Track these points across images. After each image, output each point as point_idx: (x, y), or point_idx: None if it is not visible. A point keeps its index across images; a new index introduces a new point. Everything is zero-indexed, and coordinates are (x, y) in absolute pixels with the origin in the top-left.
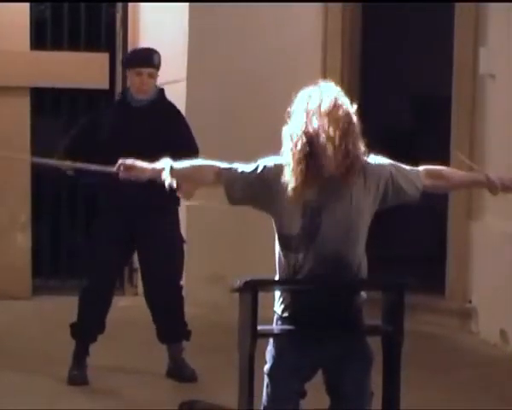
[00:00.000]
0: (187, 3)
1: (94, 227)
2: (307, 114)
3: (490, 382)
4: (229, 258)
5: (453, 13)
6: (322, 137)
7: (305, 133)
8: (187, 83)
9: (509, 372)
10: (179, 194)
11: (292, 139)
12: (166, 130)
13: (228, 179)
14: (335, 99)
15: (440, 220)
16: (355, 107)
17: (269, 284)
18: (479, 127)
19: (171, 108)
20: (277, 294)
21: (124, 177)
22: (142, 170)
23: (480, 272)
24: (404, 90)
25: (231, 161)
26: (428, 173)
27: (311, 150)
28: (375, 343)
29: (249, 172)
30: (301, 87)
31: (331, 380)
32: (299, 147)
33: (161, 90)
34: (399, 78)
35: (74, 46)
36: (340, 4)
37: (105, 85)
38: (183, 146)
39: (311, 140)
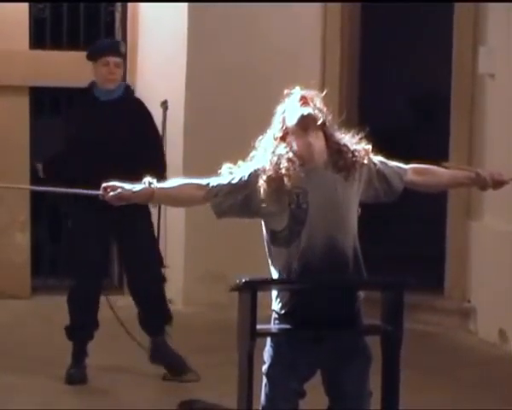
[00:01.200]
0: (186, 3)
1: (71, 227)
2: (283, 116)
3: (489, 381)
4: (229, 256)
5: (452, 12)
6: (299, 133)
7: (284, 131)
8: (186, 81)
9: (508, 372)
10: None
11: (273, 138)
12: (133, 130)
13: (212, 194)
14: (308, 98)
15: (440, 220)
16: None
17: (268, 284)
18: (478, 126)
19: (141, 106)
20: (275, 293)
21: (109, 200)
22: (128, 196)
23: (479, 272)
24: (403, 89)
25: (231, 157)
26: (416, 170)
27: (290, 146)
28: (373, 343)
29: (233, 183)
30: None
31: (330, 379)
32: (278, 144)
33: (128, 86)
34: (399, 77)
35: (73, 45)
36: (339, 4)
37: None
38: (151, 155)
39: (289, 136)
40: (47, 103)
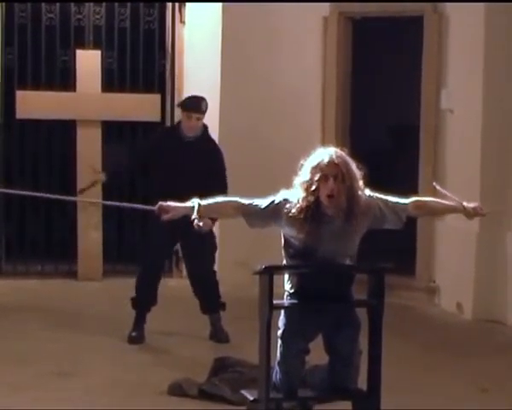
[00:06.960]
0: (219, 60)
1: (148, 227)
2: (313, 169)
3: (449, 341)
4: (252, 249)
5: (421, 60)
6: (323, 185)
7: (310, 183)
8: (220, 114)
9: (463, 334)
10: (202, 225)
11: (301, 186)
12: (207, 162)
13: (246, 213)
14: (334, 155)
15: (412, 220)
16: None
17: (282, 269)
18: (440, 150)
19: (213, 144)
20: (287, 276)
21: (163, 216)
22: (177, 210)
23: (441, 259)
24: (383, 120)
25: (253, 170)
26: (416, 205)
27: (315, 196)
28: (361, 313)
29: (263, 208)
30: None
31: (329, 341)
32: (305, 193)
33: (206, 128)
34: (380, 111)
35: (134, 89)
36: (335, 58)
37: (157, 119)
38: (217, 182)
39: (315, 188)
40: (114, 133)
